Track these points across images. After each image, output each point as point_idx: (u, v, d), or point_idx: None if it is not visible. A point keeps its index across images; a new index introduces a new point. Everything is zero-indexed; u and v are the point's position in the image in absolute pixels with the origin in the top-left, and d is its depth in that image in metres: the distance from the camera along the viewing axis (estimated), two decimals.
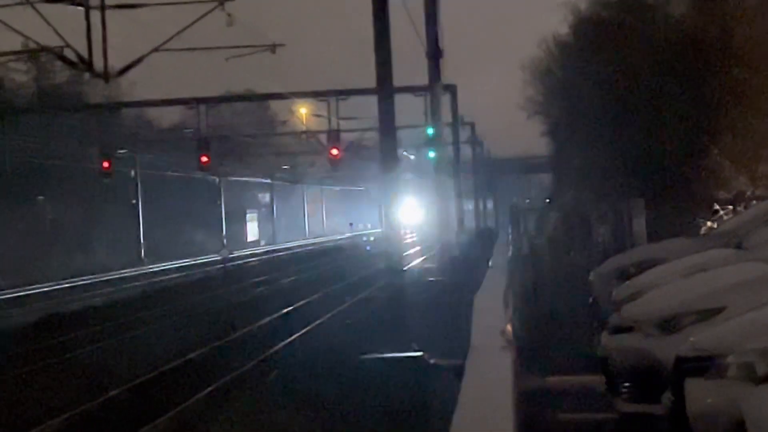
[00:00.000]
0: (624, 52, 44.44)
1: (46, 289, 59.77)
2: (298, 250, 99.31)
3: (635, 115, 42.84)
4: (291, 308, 41.46)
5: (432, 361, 10.43)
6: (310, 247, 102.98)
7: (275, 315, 39.25)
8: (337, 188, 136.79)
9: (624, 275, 18.80)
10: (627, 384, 13.19)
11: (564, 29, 58.22)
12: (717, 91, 35.06)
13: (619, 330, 13.92)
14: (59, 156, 68.73)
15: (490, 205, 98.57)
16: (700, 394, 9.72)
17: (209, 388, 24.37)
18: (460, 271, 19.69)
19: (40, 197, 73.40)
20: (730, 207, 32.74)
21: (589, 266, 29.16)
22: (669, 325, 12.54)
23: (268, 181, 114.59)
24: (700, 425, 9.66)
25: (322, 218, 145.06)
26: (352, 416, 14.54)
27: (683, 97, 37.61)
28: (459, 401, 5.97)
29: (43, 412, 23.75)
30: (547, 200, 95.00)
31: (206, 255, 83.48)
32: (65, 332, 39.36)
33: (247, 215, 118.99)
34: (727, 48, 33.89)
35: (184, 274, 71.72)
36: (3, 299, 55.35)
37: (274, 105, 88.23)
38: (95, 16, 30.95)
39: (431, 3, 36.81)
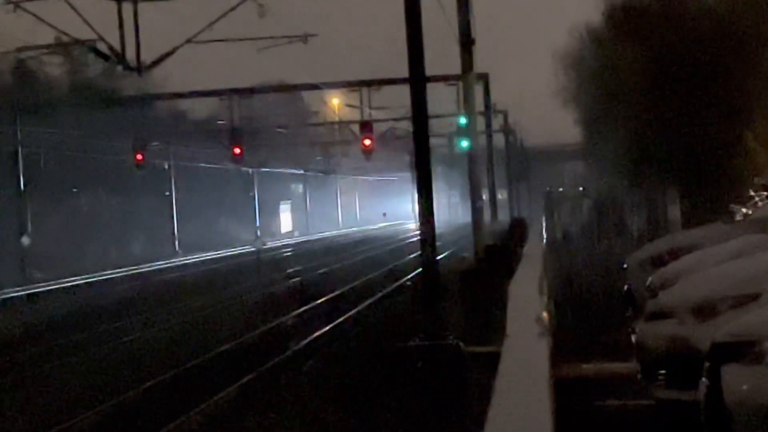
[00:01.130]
0: (657, 39, 44.36)
1: (81, 281, 60.10)
2: (331, 240, 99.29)
3: (669, 103, 42.77)
4: (325, 298, 41.54)
5: (467, 348, 10.40)
6: (341, 239, 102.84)
7: (311, 305, 39.30)
8: (370, 178, 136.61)
9: (659, 262, 18.77)
10: (663, 371, 13.15)
11: (596, 17, 58.13)
12: (751, 77, 34.96)
13: (654, 317, 13.88)
14: (93, 149, 68.97)
15: (520, 194, 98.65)
16: (737, 380, 9.69)
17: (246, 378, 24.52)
18: (495, 260, 19.60)
19: (75, 190, 73.58)
20: (765, 193, 32.62)
21: (623, 253, 29.13)
22: (705, 311, 12.50)
23: (302, 171, 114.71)
24: (737, 411, 9.63)
25: (356, 209, 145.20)
26: (389, 402, 14.61)
27: (717, 83, 37.51)
28: (495, 388, 5.96)
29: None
30: (581, 189, 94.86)
31: (240, 246, 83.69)
32: (113, 320, 39.97)
33: (281, 206, 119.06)
34: (760, 34, 33.79)
35: (218, 265, 71.84)
36: (43, 291, 55.95)
37: (307, 96, 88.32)
38: (127, 8, 31.06)
39: None
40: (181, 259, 78.06)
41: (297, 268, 62.15)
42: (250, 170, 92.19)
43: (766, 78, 33.81)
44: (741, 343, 9.84)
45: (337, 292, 43.64)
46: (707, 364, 10.11)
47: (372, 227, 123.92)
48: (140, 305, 45.92)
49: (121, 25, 31.13)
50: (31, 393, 26.53)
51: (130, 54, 31.71)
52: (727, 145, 37.53)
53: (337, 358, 27.33)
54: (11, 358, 32.62)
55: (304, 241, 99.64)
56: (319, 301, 40.32)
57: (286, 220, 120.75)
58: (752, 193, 34.58)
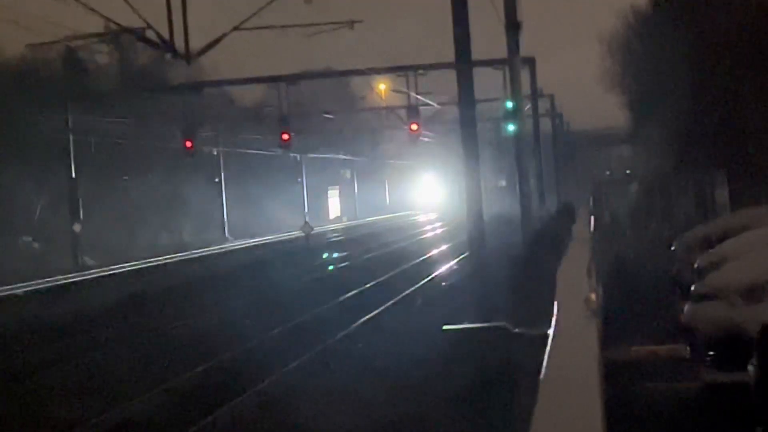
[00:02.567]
0: (703, 22, 44.19)
1: (131, 267, 60.44)
2: (378, 225, 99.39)
3: (717, 86, 42.61)
4: (375, 282, 41.65)
5: (516, 330, 10.33)
6: (389, 224, 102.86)
7: (359, 289, 39.40)
8: (417, 164, 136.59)
9: (708, 244, 18.74)
10: (712, 353, 13.13)
11: (643, 1, 58.01)
12: None
13: (702, 298, 13.87)
14: (143, 136, 69.29)
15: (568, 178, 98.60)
16: None
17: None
18: (545, 243, 19.54)
19: (125, 177, 73.98)
20: None
21: (671, 236, 29.06)
22: (754, 293, 12.47)
23: (349, 157, 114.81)
24: None
25: (403, 194, 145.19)
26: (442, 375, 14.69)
27: (764, 65, 37.35)
28: (545, 371, 5.94)
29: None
30: (628, 172, 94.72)
31: (288, 231, 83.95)
32: (173, 303, 40.60)
33: (329, 191, 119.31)
34: None
35: (267, 250, 72.09)
36: (104, 275, 56.59)
37: (354, 81, 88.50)
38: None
39: None
40: (231, 244, 78.51)
41: (346, 253, 62.35)
42: (298, 156, 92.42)
43: None
44: None
45: (383, 278, 43.77)
46: (758, 346, 10.07)
47: (419, 212, 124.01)
48: (201, 289, 46.30)
49: (169, 13, 31.15)
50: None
51: (179, 42, 31.76)
52: None
53: (387, 336, 27.49)
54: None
55: (354, 226, 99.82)
56: (368, 285, 40.46)
57: (334, 205, 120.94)
58: None
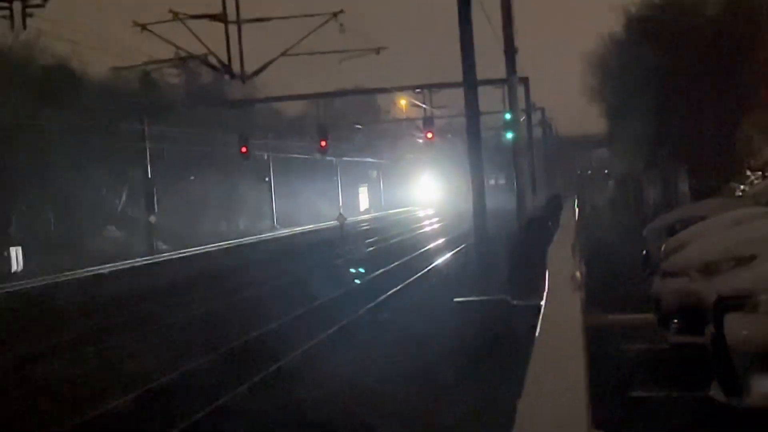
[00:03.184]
0: (668, 44, 44.12)
1: (197, 251, 60.65)
2: (399, 216, 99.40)
3: (679, 96, 42.52)
4: (397, 263, 41.61)
5: (514, 302, 10.40)
6: (408, 215, 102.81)
7: (385, 268, 39.39)
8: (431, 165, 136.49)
9: (672, 230, 18.71)
10: (675, 320, 13.15)
11: (618, 27, 57.95)
12: (747, 74, 34.70)
13: (667, 275, 13.87)
14: (206, 143, 69.46)
15: (556, 175, 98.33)
16: (737, 326, 9.66)
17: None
18: (537, 229, 19.66)
19: (192, 177, 74.15)
20: (760, 172, 32.39)
21: (641, 223, 28.98)
22: (710, 270, 12.47)
23: (376, 160, 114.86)
24: (738, 353, 9.60)
25: (419, 190, 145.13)
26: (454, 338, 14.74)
27: (719, 80, 37.26)
28: (537, 335, 5.99)
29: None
30: (606, 171, 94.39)
31: (326, 221, 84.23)
32: (234, 279, 40.53)
33: (359, 188, 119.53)
34: (755, 37, 33.54)
35: (311, 235, 72.28)
36: (174, 258, 56.93)
37: (379, 97, 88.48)
38: (233, 28, 31.15)
39: (507, 8, 36.66)
40: (280, 232, 78.88)
41: (373, 239, 62.39)
42: (334, 159, 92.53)
43: (760, 75, 33.56)
44: (741, 296, 9.82)
45: (404, 259, 43.74)
46: (713, 314, 10.09)
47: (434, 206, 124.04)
48: (263, 265, 46.41)
49: (227, 42, 31.17)
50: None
51: (235, 65, 31.82)
52: (728, 131, 37.29)
53: (409, 306, 27.54)
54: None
55: (379, 217, 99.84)
56: (395, 263, 40.46)
57: (363, 199, 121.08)
58: (748, 173, 34.33)
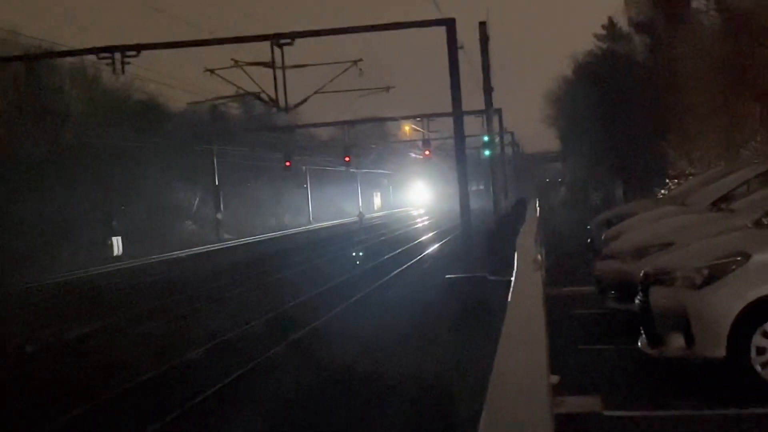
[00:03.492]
0: (606, 84, 44.08)
1: (253, 240, 60.83)
2: (404, 213, 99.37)
3: (615, 124, 42.50)
4: (401, 249, 41.64)
5: (491, 277, 10.41)
6: (411, 213, 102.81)
7: (391, 253, 39.37)
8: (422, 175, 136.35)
9: (609, 223, 18.70)
10: (612, 291, 13.16)
11: (569, 71, 58.01)
12: (665, 109, 34.68)
13: (606, 258, 13.88)
14: (259, 159, 69.55)
15: (522, 183, 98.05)
16: (659, 296, 9.68)
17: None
18: (508, 224, 19.68)
19: (248, 184, 74.24)
20: (675, 180, 32.35)
21: (587, 218, 28.94)
22: (638, 253, 12.49)
23: (386, 171, 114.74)
24: (659, 316, 9.64)
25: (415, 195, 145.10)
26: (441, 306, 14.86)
27: (645, 111, 37.26)
28: (509, 302, 6.02)
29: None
30: (559, 179, 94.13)
31: (349, 217, 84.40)
32: (283, 259, 40.60)
33: (374, 193, 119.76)
34: (672, 80, 33.51)
35: (338, 228, 72.36)
36: (238, 244, 57.01)
37: (389, 124, 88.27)
38: (279, 72, 31.19)
39: (485, 58, 36.65)
40: (314, 225, 79.05)
41: (384, 230, 62.48)
42: (355, 171, 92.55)
43: (676, 107, 33.53)
44: (661, 273, 9.85)
45: (408, 245, 43.80)
46: (640, 287, 10.12)
47: (429, 207, 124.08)
48: (303, 250, 46.59)
49: (275, 82, 31.18)
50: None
51: (281, 100, 31.91)
52: (652, 150, 37.27)
53: (407, 284, 27.58)
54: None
55: (389, 214, 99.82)
56: (397, 251, 40.45)
57: (377, 201, 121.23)
58: (667, 180, 34.28)
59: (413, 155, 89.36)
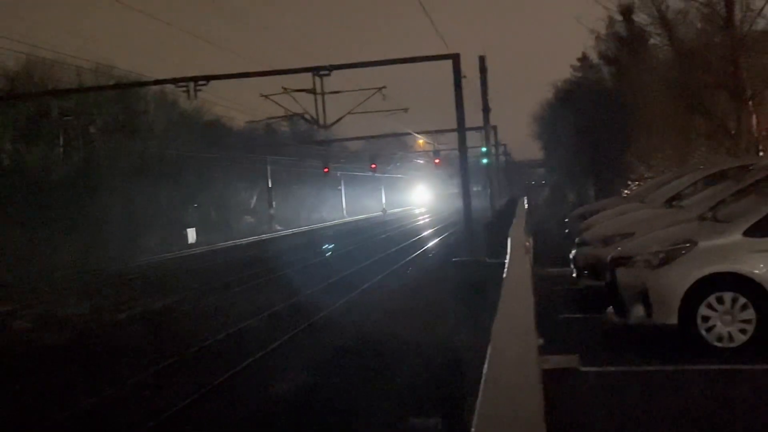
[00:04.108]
0: (580, 106, 43.82)
1: (300, 230, 60.92)
2: (421, 209, 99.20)
3: (587, 138, 42.25)
4: (417, 237, 41.65)
5: (488, 260, 10.35)
6: (427, 209, 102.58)
7: (409, 241, 39.42)
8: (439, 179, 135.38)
9: (583, 217, 18.62)
10: (585, 271, 13.12)
11: (550, 95, 57.71)
12: (629, 124, 34.48)
13: (581, 245, 13.83)
14: (303, 166, 69.66)
15: (513, 185, 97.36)
16: (624, 275, 9.66)
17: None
18: (502, 218, 19.68)
19: (295, 186, 74.34)
20: (636, 182, 32.13)
21: (565, 213, 28.83)
22: (607, 241, 12.44)
23: (404, 176, 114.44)
24: (624, 291, 9.61)
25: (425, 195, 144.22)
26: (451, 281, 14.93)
27: (612, 128, 37.05)
28: (504, 280, 6.02)
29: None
30: (543, 182, 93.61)
31: (375, 213, 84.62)
32: (325, 243, 40.84)
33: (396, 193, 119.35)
34: (633, 102, 33.31)
35: (366, 221, 72.43)
36: (288, 233, 57.02)
37: (407, 138, 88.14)
38: (319, 97, 31.18)
39: (484, 84, 36.54)
40: (348, 218, 79.08)
41: (404, 222, 62.55)
42: (379, 175, 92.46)
43: (638, 125, 33.33)
44: (624, 257, 9.81)
45: (424, 234, 43.78)
46: (608, 268, 10.09)
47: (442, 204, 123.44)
48: (341, 237, 46.76)
49: (315, 105, 31.23)
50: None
51: (320, 119, 31.96)
52: (617, 158, 37.05)
53: (423, 264, 27.57)
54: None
55: (409, 210, 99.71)
56: (417, 236, 40.46)
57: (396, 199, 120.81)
58: (630, 183, 34.03)
59: (420, 162, 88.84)
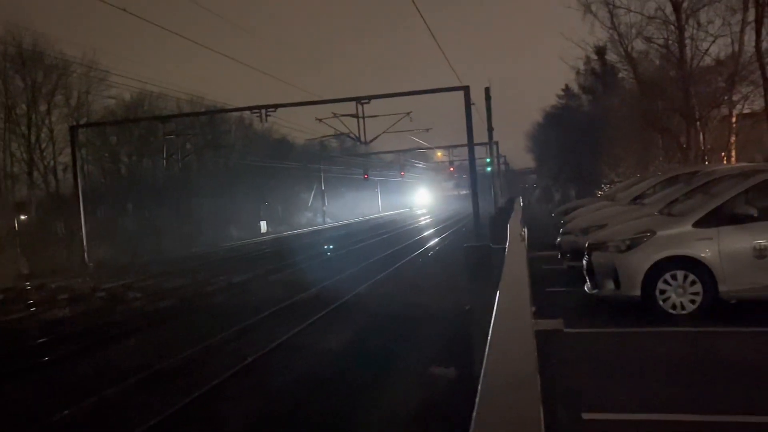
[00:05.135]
0: (564, 126, 43.30)
1: (347, 222, 60.95)
2: (442, 207, 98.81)
3: (570, 152, 41.77)
4: (438, 227, 41.40)
5: (492, 245, 10.32)
6: (445, 207, 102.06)
7: (431, 230, 39.20)
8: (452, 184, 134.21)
9: (567, 212, 18.48)
10: (568, 254, 13.02)
11: (540, 118, 57.10)
12: (602, 139, 34.09)
13: (565, 234, 13.73)
14: (348, 173, 69.69)
15: (511, 188, 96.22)
16: (598, 258, 9.59)
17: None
18: (502, 214, 19.63)
19: (342, 189, 74.43)
20: (608, 185, 31.75)
21: (552, 209, 28.54)
22: (584, 231, 12.34)
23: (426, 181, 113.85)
24: (598, 270, 9.54)
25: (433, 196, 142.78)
26: (460, 263, 14.86)
27: (590, 144, 36.64)
28: (505, 261, 6.00)
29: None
30: (534, 185, 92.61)
31: (403, 209, 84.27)
32: (364, 233, 40.50)
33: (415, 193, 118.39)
34: (605, 122, 32.92)
35: (396, 216, 72.29)
36: (335, 225, 56.53)
37: (429, 151, 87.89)
38: (361, 120, 31.21)
39: (488, 109, 36.31)
40: (382, 213, 78.89)
41: (430, 216, 62.31)
42: (408, 180, 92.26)
43: (610, 141, 32.92)
44: (598, 244, 9.74)
45: (441, 226, 43.57)
46: (586, 252, 10.02)
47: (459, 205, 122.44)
48: (380, 228, 46.62)
49: (358, 126, 31.25)
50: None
51: (362, 137, 32.02)
52: (593, 166, 36.65)
53: (441, 250, 27.40)
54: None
55: (431, 208, 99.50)
56: (435, 228, 40.26)
57: (418, 200, 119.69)
58: (603, 186, 33.59)
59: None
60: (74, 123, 35.67)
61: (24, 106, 36.51)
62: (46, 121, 37.40)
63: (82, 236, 29.66)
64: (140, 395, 8.99)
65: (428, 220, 56.04)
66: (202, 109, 41.16)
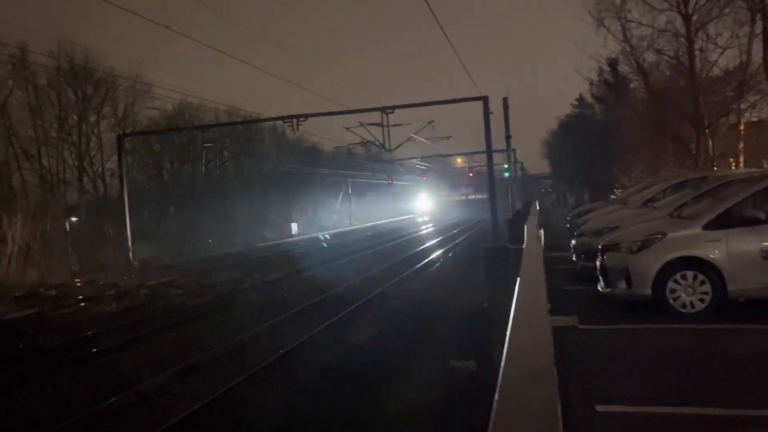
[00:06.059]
0: (578, 134, 42.89)
1: (370, 224, 60.95)
2: (458, 211, 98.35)
3: (584, 157, 41.36)
4: (457, 230, 41.20)
5: (511, 246, 10.25)
6: (460, 212, 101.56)
7: (447, 234, 39.00)
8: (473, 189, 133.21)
9: (581, 215, 18.31)
10: (582, 255, 12.89)
11: (555, 126, 56.60)
12: (614, 146, 33.71)
13: (579, 236, 13.60)
14: (372, 179, 69.72)
15: (528, 193, 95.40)
16: (610, 258, 9.49)
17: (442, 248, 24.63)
18: (520, 218, 19.54)
19: (367, 194, 74.51)
20: (620, 189, 31.38)
21: (567, 212, 28.26)
22: (598, 233, 12.22)
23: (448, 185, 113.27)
24: (611, 270, 9.44)
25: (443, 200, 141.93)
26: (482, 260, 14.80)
27: (603, 149, 36.26)
28: (522, 260, 5.96)
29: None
30: (550, 190, 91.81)
31: (423, 214, 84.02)
32: (387, 234, 40.66)
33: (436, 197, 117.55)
34: (618, 130, 32.55)
35: (412, 219, 72.07)
36: (360, 227, 56.70)
37: (451, 158, 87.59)
38: (386, 129, 31.21)
39: (506, 117, 36.10)
40: (401, 217, 78.68)
41: (449, 219, 62.07)
42: (429, 184, 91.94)
43: (623, 147, 32.54)
44: (611, 245, 9.64)
45: (457, 230, 43.35)
46: (600, 253, 9.92)
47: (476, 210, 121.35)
48: (396, 231, 46.50)
49: (383, 134, 31.27)
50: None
51: (387, 145, 32.00)
52: (606, 172, 36.26)
53: (460, 252, 27.27)
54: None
55: (448, 213, 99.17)
56: (453, 231, 40.06)
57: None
58: (615, 190, 33.20)
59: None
60: (121, 132, 36.31)
61: (75, 117, 37.27)
62: (95, 131, 38.17)
63: (128, 236, 30.12)
64: (183, 383, 9.19)
65: (444, 225, 55.84)
66: (239, 119, 41.50)
